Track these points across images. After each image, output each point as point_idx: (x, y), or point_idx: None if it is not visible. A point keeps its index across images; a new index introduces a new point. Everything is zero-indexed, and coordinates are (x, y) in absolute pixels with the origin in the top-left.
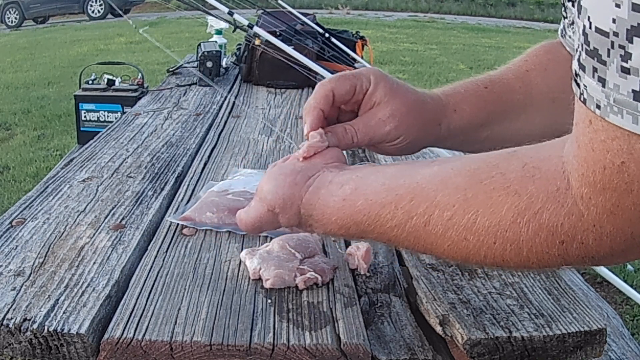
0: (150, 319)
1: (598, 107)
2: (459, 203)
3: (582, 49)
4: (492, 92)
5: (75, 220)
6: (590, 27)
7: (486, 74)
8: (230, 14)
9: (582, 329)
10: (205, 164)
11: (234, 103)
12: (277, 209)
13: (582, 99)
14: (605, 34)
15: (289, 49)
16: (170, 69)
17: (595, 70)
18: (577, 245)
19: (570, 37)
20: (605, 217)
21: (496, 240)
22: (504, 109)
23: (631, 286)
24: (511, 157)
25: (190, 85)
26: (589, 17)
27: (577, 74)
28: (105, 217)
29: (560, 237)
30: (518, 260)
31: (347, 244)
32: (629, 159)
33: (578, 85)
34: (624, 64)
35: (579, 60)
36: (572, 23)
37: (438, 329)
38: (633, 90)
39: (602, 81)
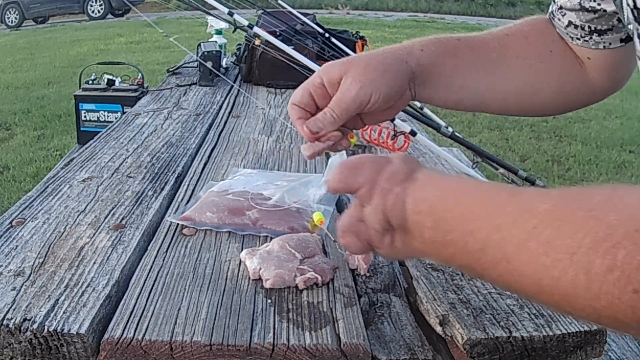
0: (150, 319)
1: None
2: (546, 214)
3: None
4: (464, 43)
5: (75, 220)
6: None
7: None
8: (230, 14)
9: (582, 329)
10: (205, 164)
11: (234, 103)
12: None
13: None
14: None
15: (289, 49)
16: (170, 69)
17: None
18: None
19: (559, 19)
20: None
21: (571, 264)
22: (475, 60)
23: None
24: (605, 185)
25: (190, 85)
26: None
27: None
28: (105, 217)
29: (633, 285)
30: (588, 297)
31: None
32: None
33: None
34: None
35: None
36: (560, 8)
37: (438, 329)
38: None
39: None
